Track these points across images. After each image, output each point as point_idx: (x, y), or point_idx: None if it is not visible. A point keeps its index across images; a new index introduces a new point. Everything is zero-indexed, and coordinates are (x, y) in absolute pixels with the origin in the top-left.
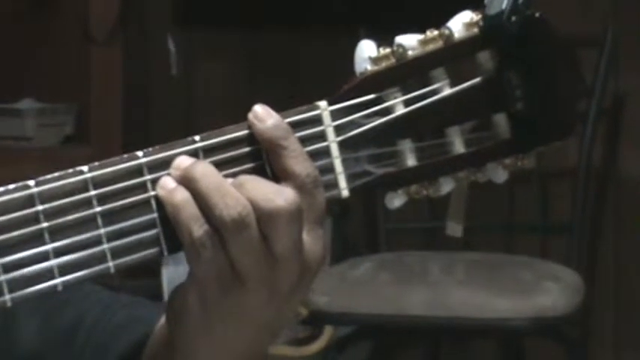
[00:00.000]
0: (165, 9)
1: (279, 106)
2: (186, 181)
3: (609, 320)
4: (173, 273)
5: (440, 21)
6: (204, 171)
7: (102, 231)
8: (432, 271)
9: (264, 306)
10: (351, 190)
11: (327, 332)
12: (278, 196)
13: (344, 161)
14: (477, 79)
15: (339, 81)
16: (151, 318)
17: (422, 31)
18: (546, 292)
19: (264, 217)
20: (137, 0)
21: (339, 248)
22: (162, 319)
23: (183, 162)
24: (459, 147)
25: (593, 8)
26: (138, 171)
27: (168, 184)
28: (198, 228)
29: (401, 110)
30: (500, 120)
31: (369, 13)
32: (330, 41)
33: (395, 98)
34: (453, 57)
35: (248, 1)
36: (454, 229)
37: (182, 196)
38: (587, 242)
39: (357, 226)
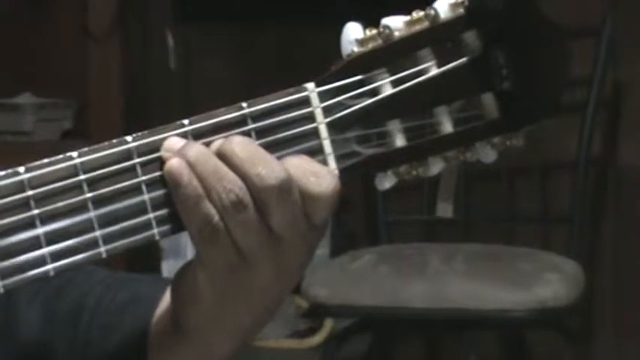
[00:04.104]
0: (164, 4)
1: None
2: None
3: (610, 310)
4: (173, 267)
5: None
6: (198, 155)
7: (93, 216)
8: (431, 263)
9: (272, 284)
10: (341, 171)
11: (327, 325)
12: (269, 172)
13: (333, 142)
14: (464, 59)
15: None
16: (154, 294)
17: None
18: (547, 283)
19: (255, 194)
20: None
21: (339, 241)
22: (167, 297)
23: (174, 143)
24: (447, 126)
25: None
26: (127, 156)
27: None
28: (204, 212)
29: (388, 91)
30: (488, 99)
31: (368, 10)
32: (329, 37)
33: (382, 79)
34: (439, 37)
35: None
36: (444, 209)
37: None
38: (587, 233)
39: (356, 218)
